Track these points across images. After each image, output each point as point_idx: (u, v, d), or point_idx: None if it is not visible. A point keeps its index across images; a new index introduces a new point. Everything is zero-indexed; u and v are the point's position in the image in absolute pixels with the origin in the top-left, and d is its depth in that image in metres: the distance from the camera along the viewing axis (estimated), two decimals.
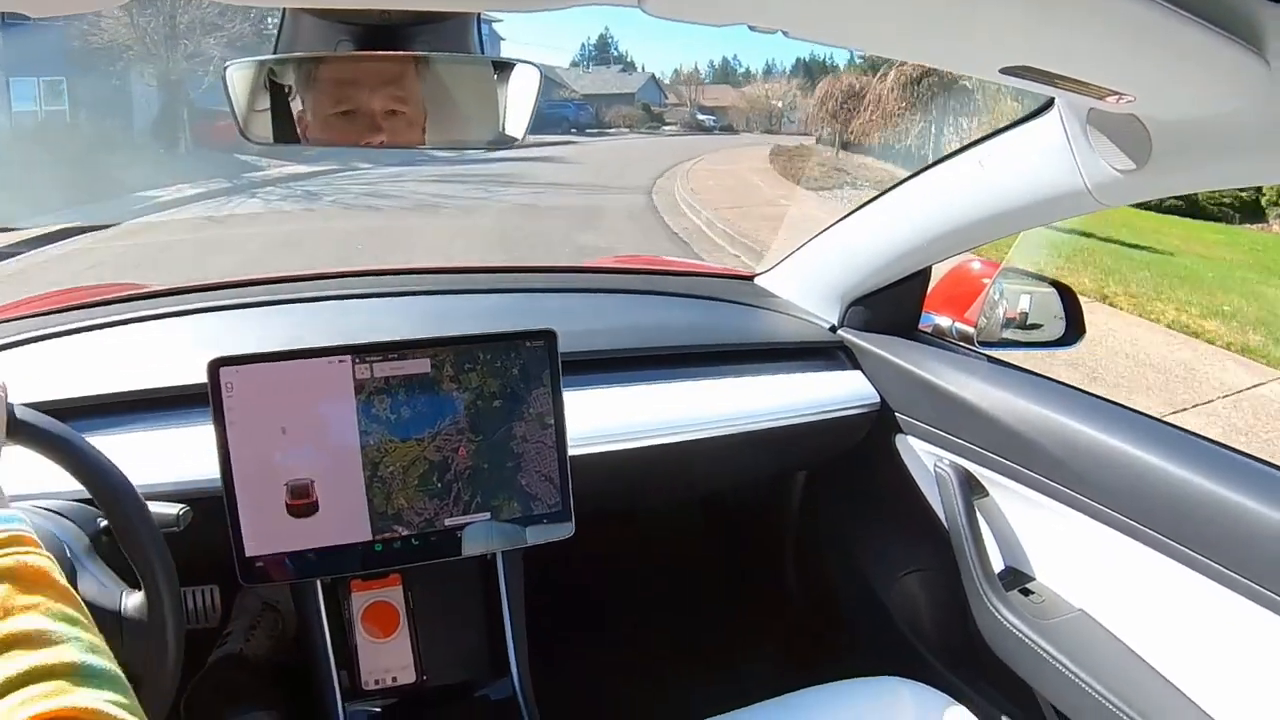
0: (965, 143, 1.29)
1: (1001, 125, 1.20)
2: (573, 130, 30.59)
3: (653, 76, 42.94)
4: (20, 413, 0.87)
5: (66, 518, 0.90)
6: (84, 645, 0.61)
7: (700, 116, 39.36)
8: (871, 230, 1.51)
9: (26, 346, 1.44)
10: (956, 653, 1.52)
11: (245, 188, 14.68)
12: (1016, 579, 1.42)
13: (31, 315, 1.58)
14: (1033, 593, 1.39)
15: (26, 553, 0.66)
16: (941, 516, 1.48)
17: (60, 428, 0.84)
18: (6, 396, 0.87)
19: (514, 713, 1.35)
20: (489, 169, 15.41)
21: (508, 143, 1.22)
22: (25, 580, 0.64)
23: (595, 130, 33.65)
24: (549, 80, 36.12)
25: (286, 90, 1.11)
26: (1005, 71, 0.79)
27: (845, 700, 1.27)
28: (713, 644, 1.91)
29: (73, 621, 0.63)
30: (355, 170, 16.27)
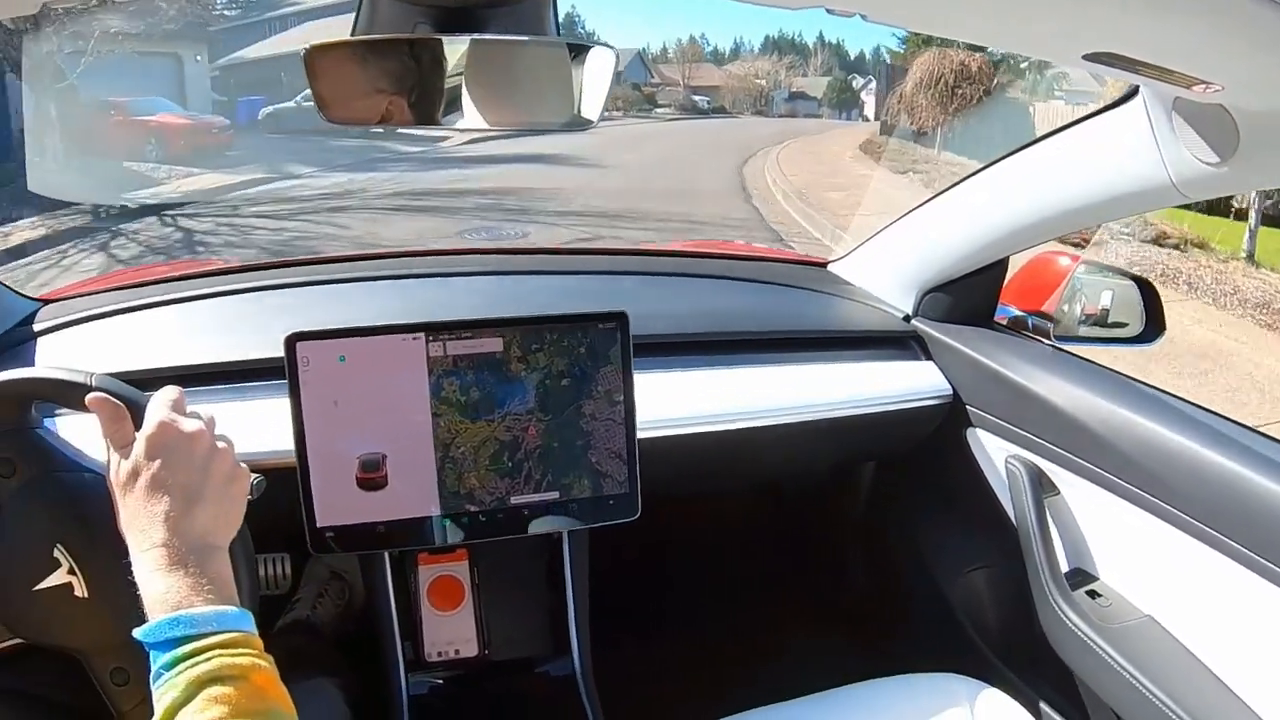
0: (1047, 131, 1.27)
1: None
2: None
3: (639, 53, 39.88)
4: (103, 382, 0.91)
5: None
6: None
7: (695, 98, 36.76)
8: (949, 219, 1.50)
9: (111, 319, 1.50)
10: (1019, 653, 1.50)
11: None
12: (1083, 580, 1.40)
13: (116, 289, 1.65)
14: (1099, 595, 1.37)
15: (258, 655, 0.72)
16: (1010, 513, 1.47)
17: (143, 398, 0.88)
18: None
19: (572, 691, 1.37)
20: (463, 180, 12.79)
21: (583, 125, 1.24)
22: (256, 682, 0.70)
23: None
24: None
25: None
26: (1089, 58, 0.78)
27: (904, 694, 1.27)
28: (773, 632, 1.92)
29: None
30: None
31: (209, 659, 0.70)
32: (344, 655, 1.55)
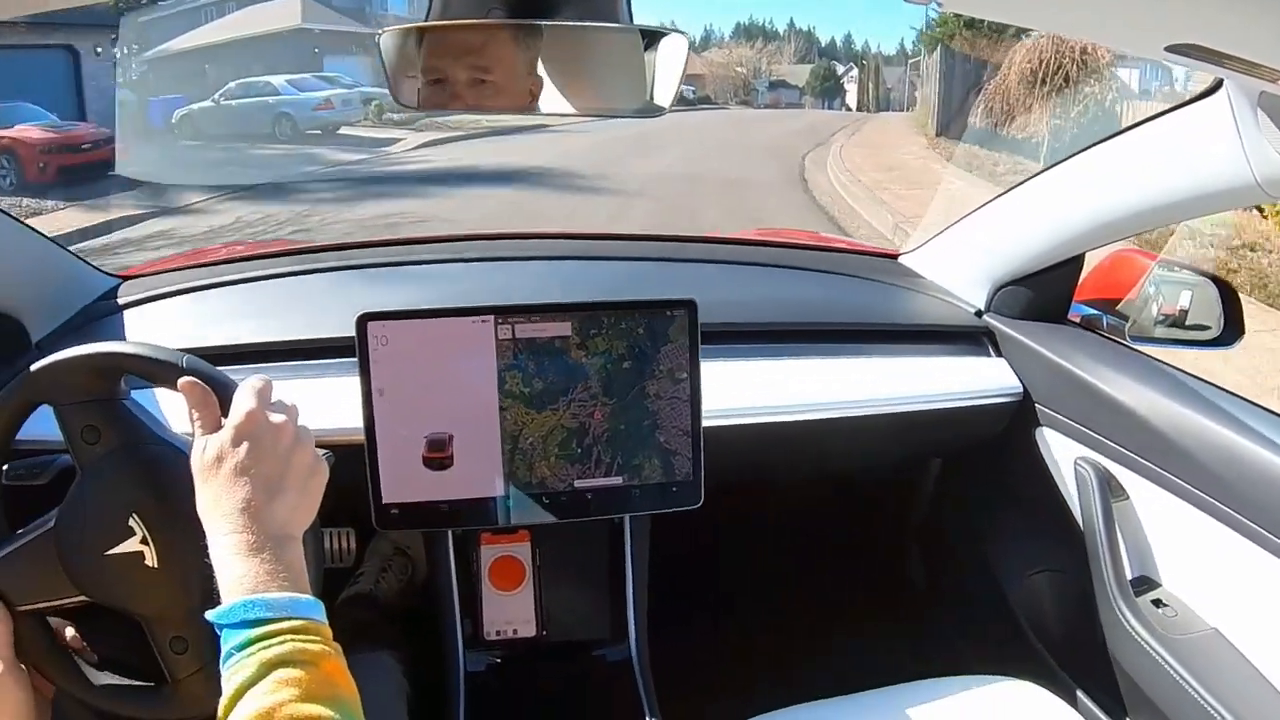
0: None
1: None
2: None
3: None
4: (195, 365, 0.94)
5: None
6: None
7: (680, 87, 36.08)
8: (1024, 213, 1.49)
9: (189, 295, 1.56)
10: (1079, 659, 1.48)
11: None
12: (1148, 588, 1.37)
13: (193, 266, 1.70)
14: (1165, 605, 1.34)
15: (328, 643, 0.75)
16: (1076, 516, 1.45)
17: (232, 383, 0.91)
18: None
19: (627, 676, 1.39)
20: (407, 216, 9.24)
21: (655, 112, 1.25)
22: (325, 669, 0.73)
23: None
24: None
25: None
26: (1171, 50, 0.77)
27: (962, 695, 1.27)
28: (831, 626, 1.92)
29: (355, 715, 0.72)
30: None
31: (281, 642, 0.72)
32: (404, 630, 1.59)
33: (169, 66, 19.50)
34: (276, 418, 0.84)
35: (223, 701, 0.71)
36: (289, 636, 0.73)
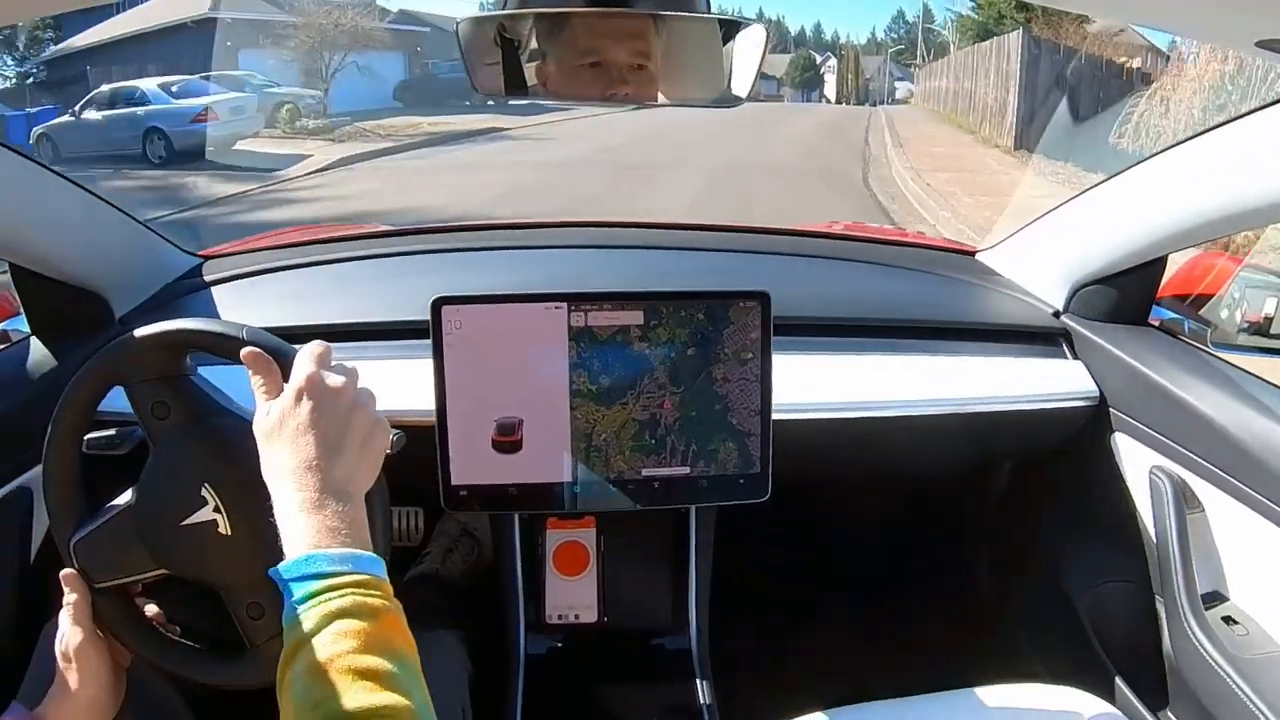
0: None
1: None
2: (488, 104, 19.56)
3: None
4: (255, 335, 0.97)
5: None
6: (421, 696, 0.72)
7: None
8: (1109, 211, 1.45)
9: (267, 276, 1.60)
10: (1145, 674, 1.45)
11: None
12: (1219, 605, 1.34)
13: (272, 248, 1.75)
14: (1236, 623, 1.31)
15: (388, 598, 0.77)
16: (1149, 527, 1.42)
17: (291, 350, 0.93)
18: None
19: (687, 665, 1.40)
20: None
21: (733, 102, 1.26)
22: (384, 623, 0.74)
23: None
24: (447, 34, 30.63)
25: (516, 44, 1.18)
26: (1263, 45, 0.75)
27: (1024, 704, 1.25)
28: (891, 626, 1.91)
29: (414, 672, 0.74)
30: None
31: (342, 595, 0.73)
32: (467, 610, 1.62)
33: (55, 71, 17.23)
34: (335, 379, 0.86)
35: (284, 652, 0.72)
36: (350, 590, 0.74)
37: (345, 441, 0.83)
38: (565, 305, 1.24)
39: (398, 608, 0.77)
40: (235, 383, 0.99)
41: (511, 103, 1.20)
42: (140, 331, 0.97)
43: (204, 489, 0.93)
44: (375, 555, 0.79)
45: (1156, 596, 1.40)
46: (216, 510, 0.93)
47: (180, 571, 0.97)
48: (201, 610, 1.03)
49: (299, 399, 0.83)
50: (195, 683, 1.01)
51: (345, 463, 0.83)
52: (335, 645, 0.70)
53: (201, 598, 1.00)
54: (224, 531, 0.93)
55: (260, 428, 0.84)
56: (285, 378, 0.87)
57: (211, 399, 0.99)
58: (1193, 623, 1.30)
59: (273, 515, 0.82)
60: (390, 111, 21.13)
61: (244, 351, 0.89)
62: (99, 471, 1.02)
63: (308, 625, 0.72)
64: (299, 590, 0.74)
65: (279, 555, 0.79)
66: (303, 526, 0.78)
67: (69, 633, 0.95)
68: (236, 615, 0.97)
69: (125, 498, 0.98)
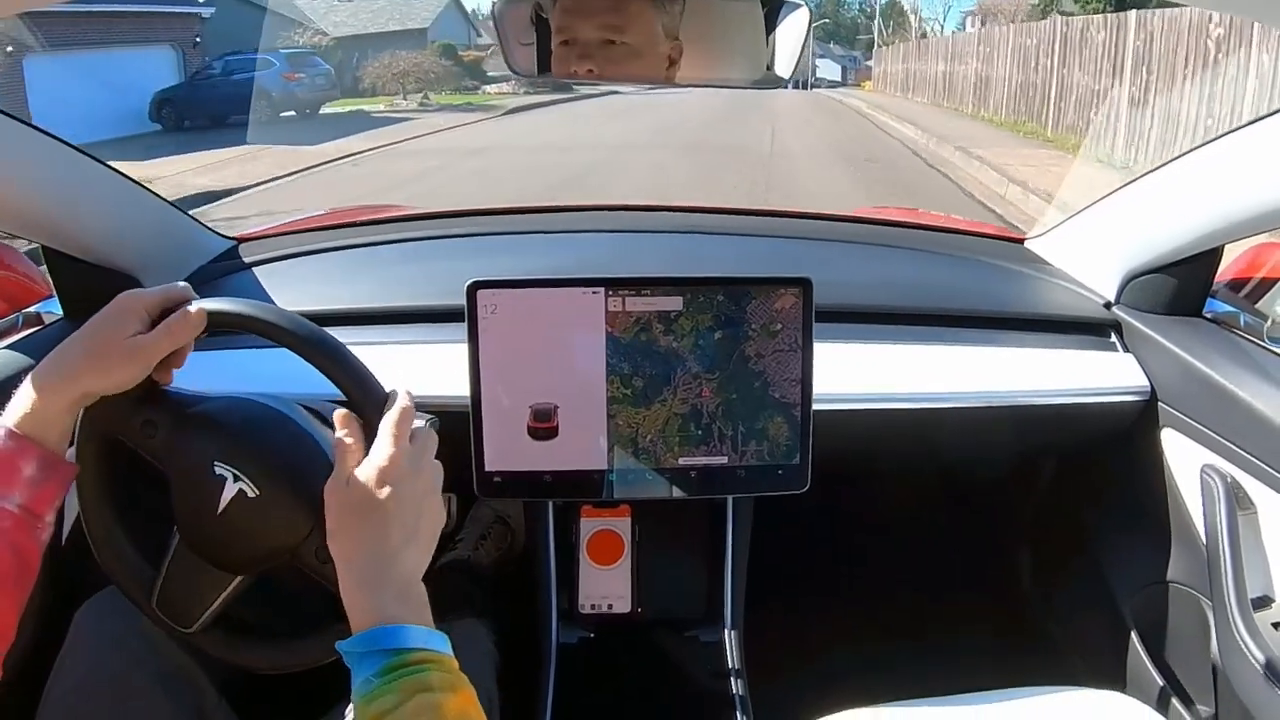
0: None
1: None
2: (268, 111, 18.35)
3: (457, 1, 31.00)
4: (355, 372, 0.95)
5: (321, 418, 1.00)
6: None
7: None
8: (1164, 198, 1.42)
9: (301, 259, 1.61)
10: (1191, 679, 1.42)
11: None
12: (1270, 609, 1.31)
13: (306, 230, 1.76)
14: None
15: (457, 675, 0.79)
16: (1199, 527, 1.39)
17: (379, 405, 0.91)
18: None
19: (720, 658, 1.40)
20: None
21: (775, 83, 1.25)
22: (462, 698, 0.77)
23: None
24: (284, 19, 26.00)
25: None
26: None
27: (1065, 708, 1.23)
28: (930, 623, 1.89)
29: None
30: None
31: (424, 670, 0.76)
32: (499, 598, 1.62)
33: None
34: (416, 460, 0.86)
35: None
36: (430, 666, 0.76)
37: (420, 527, 0.85)
38: (603, 289, 1.24)
39: (469, 684, 0.79)
40: (196, 369, 1.00)
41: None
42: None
43: (216, 467, 0.93)
44: (443, 634, 0.81)
45: (1204, 599, 1.37)
46: (237, 479, 0.93)
47: (247, 566, 0.96)
48: (278, 609, 1.04)
49: (384, 480, 0.84)
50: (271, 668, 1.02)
51: (416, 547, 0.85)
52: (419, 718, 0.73)
53: (268, 591, 1.01)
54: (254, 494, 0.93)
55: (337, 498, 0.85)
56: (367, 429, 0.88)
57: (185, 395, 0.99)
58: (1241, 627, 1.27)
59: (299, 484, 0.87)
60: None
61: (335, 414, 0.89)
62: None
63: (391, 698, 0.74)
64: (379, 663, 0.76)
65: (314, 489, 0.85)
66: (373, 601, 0.80)
67: (157, 337, 0.91)
68: (313, 570, 0.95)
69: (172, 538, 0.98)
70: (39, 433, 0.87)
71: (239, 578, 0.97)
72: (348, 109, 22.56)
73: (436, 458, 0.90)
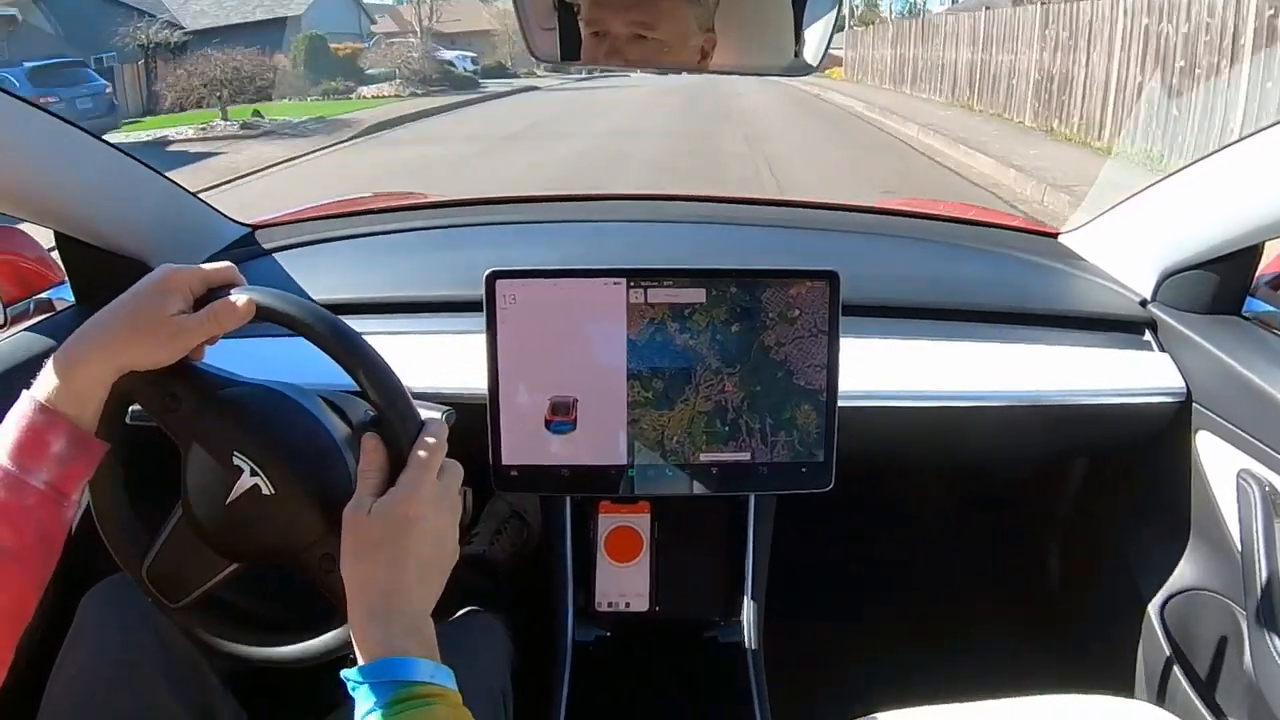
0: None
1: None
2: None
3: None
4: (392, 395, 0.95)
5: (333, 406, 1.00)
6: None
7: (446, 55, 25.10)
8: (1203, 193, 1.39)
9: (317, 247, 1.60)
10: (1222, 691, 1.40)
11: None
12: None
13: (322, 218, 1.76)
14: None
15: (460, 710, 0.79)
16: (1234, 535, 1.36)
17: (410, 438, 0.91)
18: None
19: (739, 659, 1.39)
20: None
21: (803, 70, 1.23)
22: None
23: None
24: (129, 9, 22.77)
25: (575, 10, 1.17)
26: None
27: (1090, 715, 1.21)
28: (956, 627, 1.87)
29: None
30: None
31: (429, 704, 0.76)
32: (514, 594, 1.61)
33: None
34: (442, 497, 0.86)
35: None
36: (435, 699, 0.76)
37: (434, 566, 0.85)
38: (624, 281, 1.22)
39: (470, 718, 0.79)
40: (229, 351, 0.99)
41: None
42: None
43: (235, 457, 0.92)
44: (449, 669, 0.81)
45: (1237, 608, 1.35)
46: (254, 474, 0.92)
47: (246, 556, 0.96)
48: (274, 599, 1.04)
49: (409, 515, 0.83)
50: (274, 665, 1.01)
51: (430, 583, 0.85)
52: None
53: (259, 580, 1.00)
54: (268, 492, 0.93)
55: (358, 526, 0.84)
56: (395, 455, 0.87)
57: (215, 375, 0.98)
58: (1276, 638, 1.25)
59: (319, 476, 0.88)
60: None
61: (364, 437, 0.88)
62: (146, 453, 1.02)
63: None
64: (387, 694, 0.76)
65: (330, 497, 0.85)
66: (383, 632, 0.80)
67: (201, 320, 0.90)
68: (313, 576, 0.95)
69: (176, 511, 0.98)
70: (73, 407, 0.85)
71: (233, 566, 0.96)
72: (150, 136, 17.01)
73: (453, 450, 0.89)
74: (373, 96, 21.54)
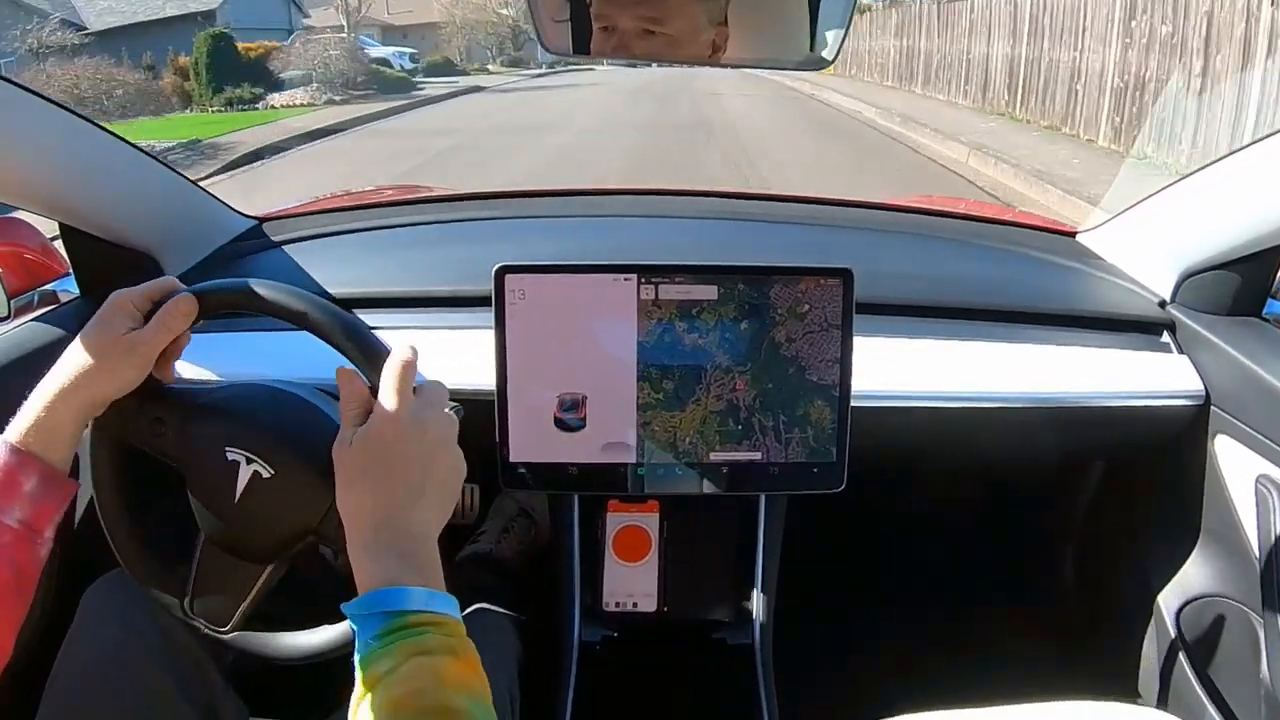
0: None
1: None
2: None
3: None
4: (346, 323, 0.95)
5: (336, 398, 1.00)
6: None
7: (380, 52, 22.32)
8: (1225, 192, 1.37)
9: (324, 240, 1.60)
10: (1239, 702, 1.39)
11: None
12: None
13: (330, 211, 1.76)
14: None
15: (462, 639, 0.78)
16: (1253, 541, 1.35)
17: (380, 360, 0.90)
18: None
19: (748, 662, 1.38)
20: None
21: (818, 64, 1.23)
22: (464, 664, 0.75)
23: None
24: (19, 6, 20.61)
25: (588, 1, 1.17)
26: None
27: None
28: (965, 630, 1.87)
29: (490, 716, 0.74)
30: None
31: (422, 633, 0.74)
32: (521, 593, 1.61)
33: None
34: (420, 412, 0.85)
35: (358, 689, 0.73)
36: (429, 628, 0.75)
37: (427, 484, 0.84)
38: (635, 277, 1.21)
39: (472, 648, 0.78)
40: (197, 354, 0.99)
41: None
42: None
43: (228, 453, 0.93)
44: (450, 596, 0.79)
45: (1254, 615, 1.33)
46: (250, 461, 0.93)
47: (274, 550, 0.96)
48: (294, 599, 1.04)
49: (385, 437, 0.83)
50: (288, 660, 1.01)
51: (424, 507, 0.83)
52: (415, 682, 0.72)
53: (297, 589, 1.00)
54: (269, 474, 0.93)
55: (341, 458, 0.85)
56: (370, 384, 0.87)
57: (191, 388, 0.99)
58: None
59: (303, 444, 0.89)
60: None
61: (337, 371, 0.89)
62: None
63: (388, 660, 0.73)
64: (377, 627, 0.75)
65: (327, 457, 0.84)
66: (377, 567, 0.79)
67: (153, 330, 0.91)
68: (339, 548, 0.95)
69: (199, 539, 0.98)
70: (44, 446, 0.87)
71: (268, 570, 0.96)
72: None
73: (461, 446, 0.89)
74: (284, 106, 18.41)
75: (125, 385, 0.90)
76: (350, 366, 0.90)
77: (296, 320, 0.92)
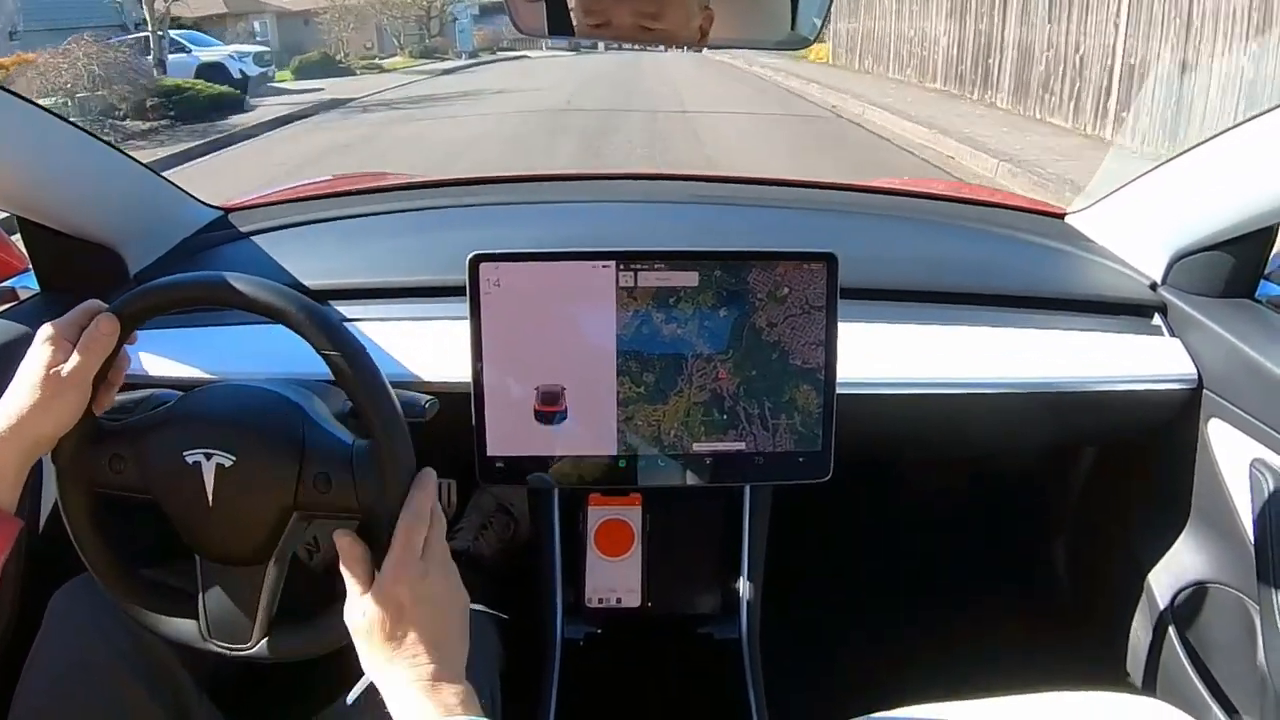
0: None
1: None
2: None
3: None
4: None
5: (315, 394, 0.99)
6: None
7: (207, 54, 17.80)
8: (1216, 172, 1.37)
9: (292, 230, 1.59)
10: (1235, 688, 1.40)
11: None
12: None
13: (298, 200, 1.74)
14: None
15: None
16: (1247, 526, 1.35)
17: (390, 523, 0.91)
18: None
19: (735, 657, 1.38)
20: None
21: (799, 43, 1.23)
22: None
23: None
24: None
25: None
26: None
27: (1099, 713, 1.21)
28: (956, 621, 1.87)
29: None
30: None
31: None
32: (501, 591, 1.61)
33: None
34: (429, 570, 0.87)
35: None
36: None
37: (449, 640, 0.86)
38: (614, 263, 1.21)
39: None
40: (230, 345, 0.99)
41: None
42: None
43: (186, 456, 0.92)
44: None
45: (1250, 602, 1.34)
46: (210, 456, 0.92)
47: (266, 543, 0.95)
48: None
49: (398, 605, 0.84)
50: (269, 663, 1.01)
51: (450, 647, 0.85)
52: None
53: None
54: (230, 462, 0.92)
55: (357, 626, 0.85)
56: (379, 536, 0.88)
57: (138, 418, 0.98)
58: None
59: (253, 419, 0.92)
60: None
61: (338, 539, 0.89)
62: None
63: None
64: None
65: (289, 432, 0.90)
66: (426, 706, 0.81)
67: (78, 360, 0.91)
68: (322, 513, 0.95)
69: (194, 561, 0.97)
70: None
71: (268, 570, 0.95)
72: None
73: (436, 441, 0.88)
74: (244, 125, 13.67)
75: (65, 420, 0.90)
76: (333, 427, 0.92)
77: (230, 306, 0.93)
